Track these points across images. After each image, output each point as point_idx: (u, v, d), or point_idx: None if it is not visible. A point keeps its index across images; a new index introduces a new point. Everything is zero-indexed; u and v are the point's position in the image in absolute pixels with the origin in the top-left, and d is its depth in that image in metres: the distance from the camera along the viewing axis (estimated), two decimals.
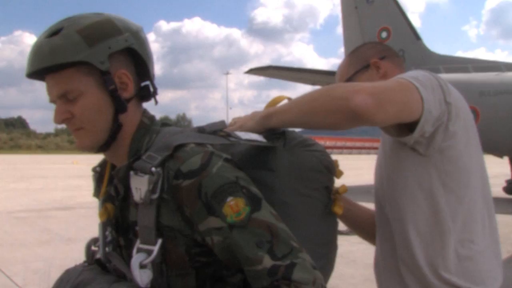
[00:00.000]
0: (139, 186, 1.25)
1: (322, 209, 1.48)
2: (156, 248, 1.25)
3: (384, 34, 20.76)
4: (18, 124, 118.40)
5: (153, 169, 1.25)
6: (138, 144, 1.38)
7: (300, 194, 1.42)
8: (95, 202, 1.52)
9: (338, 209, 1.53)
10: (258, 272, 1.20)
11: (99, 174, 1.53)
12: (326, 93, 1.40)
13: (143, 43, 1.39)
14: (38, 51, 1.28)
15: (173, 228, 1.27)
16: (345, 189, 1.58)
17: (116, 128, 1.36)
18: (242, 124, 1.53)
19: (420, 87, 1.44)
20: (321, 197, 1.48)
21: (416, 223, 1.60)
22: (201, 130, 1.42)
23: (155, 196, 1.25)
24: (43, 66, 1.27)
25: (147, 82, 1.45)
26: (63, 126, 1.37)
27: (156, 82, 1.47)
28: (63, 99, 1.32)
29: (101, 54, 1.28)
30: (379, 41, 20.77)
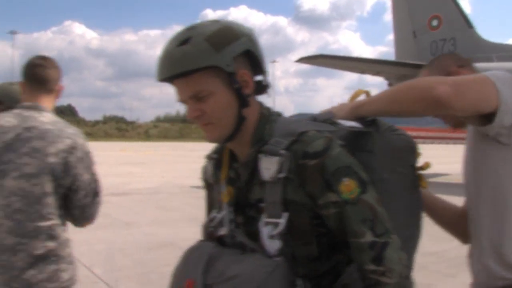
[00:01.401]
0: (269, 166, 1.49)
1: (411, 184, 1.71)
2: (282, 221, 1.47)
3: (434, 22, 20.46)
4: (67, 111, 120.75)
5: (282, 151, 1.49)
6: (261, 132, 1.58)
7: (394, 172, 1.64)
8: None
9: (424, 184, 1.77)
10: (361, 244, 1.44)
11: (217, 160, 1.74)
12: (411, 84, 1.65)
13: (256, 43, 1.60)
14: (171, 59, 1.49)
15: (298, 202, 1.49)
16: (428, 165, 1.80)
17: (240, 121, 1.56)
18: (335, 114, 1.75)
19: (496, 80, 1.66)
20: (410, 174, 1.70)
21: (505, 215, 1.78)
22: (313, 119, 1.68)
23: (282, 175, 1.48)
24: (178, 72, 1.48)
25: (261, 78, 1.64)
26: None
27: None
28: (194, 99, 1.53)
29: (227, 58, 1.49)
30: (430, 29, 20.53)
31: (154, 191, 14.99)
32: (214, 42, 1.48)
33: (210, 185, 1.81)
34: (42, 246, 2.41)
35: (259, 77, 1.63)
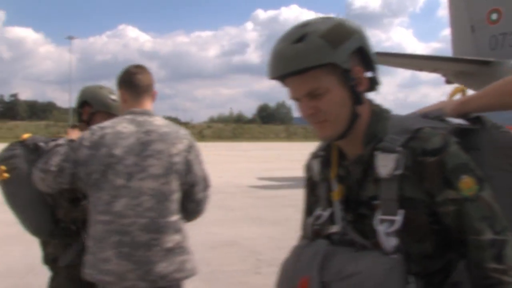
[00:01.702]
0: (386, 163, 1.50)
1: None
2: (399, 218, 1.48)
3: (494, 16, 19.77)
4: None
5: (398, 148, 1.51)
6: (374, 130, 1.59)
7: (500, 169, 1.63)
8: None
9: None
10: (481, 241, 1.44)
11: (324, 157, 1.75)
12: None
13: (367, 40, 1.60)
14: (286, 56, 1.51)
15: (415, 200, 1.50)
16: None
17: (354, 118, 1.57)
18: (444, 111, 1.75)
19: None
20: None
21: None
22: (425, 116, 1.68)
23: (398, 172, 1.50)
24: (295, 69, 1.50)
25: (371, 74, 1.63)
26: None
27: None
28: (309, 96, 1.55)
29: (343, 55, 1.50)
30: (489, 23, 19.95)
31: (213, 191, 14.66)
32: (330, 39, 1.49)
33: (314, 183, 1.80)
34: (171, 240, 2.67)
35: (369, 74, 1.62)
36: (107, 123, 2.75)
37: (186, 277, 2.78)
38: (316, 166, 1.77)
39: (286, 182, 18.01)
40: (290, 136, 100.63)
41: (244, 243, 7.88)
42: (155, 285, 2.63)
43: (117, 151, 2.64)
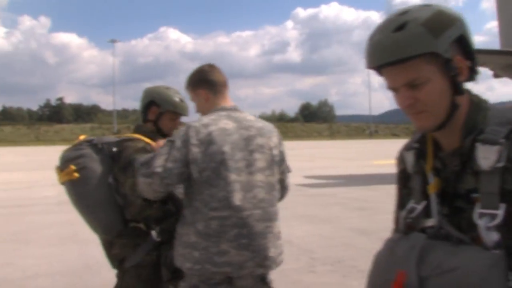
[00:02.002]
0: (488, 155, 1.45)
1: None
2: (500, 212, 1.41)
3: None
4: None
5: (501, 140, 1.44)
6: (473, 121, 1.54)
7: None
8: None
9: None
10: None
11: (419, 149, 1.69)
12: None
13: (468, 28, 1.53)
14: (386, 45, 1.46)
15: None
16: None
17: (453, 109, 1.52)
18: None
19: None
20: None
21: None
22: None
23: (501, 164, 1.43)
24: (395, 59, 1.45)
25: (471, 63, 1.56)
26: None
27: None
28: (407, 86, 1.50)
29: (445, 44, 1.44)
30: None
31: None
32: (431, 27, 1.44)
33: (407, 175, 1.74)
34: (277, 226, 2.87)
35: (469, 63, 1.55)
36: (206, 120, 2.76)
37: (282, 259, 2.93)
38: (410, 158, 1.72)
39: (333, 180, 17.90)
40: (333, 134, 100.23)
41: (296, 241, 7.82)
42: (269, 270, 2.82)
43: (226, 148, 2.69)
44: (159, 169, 2.58)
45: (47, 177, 19.54)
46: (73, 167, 2.99)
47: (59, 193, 13.62)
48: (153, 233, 3.02)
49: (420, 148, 1.69)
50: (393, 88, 1.55)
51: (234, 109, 2.91)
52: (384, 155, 33.68)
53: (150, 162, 2.63)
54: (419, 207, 1.61)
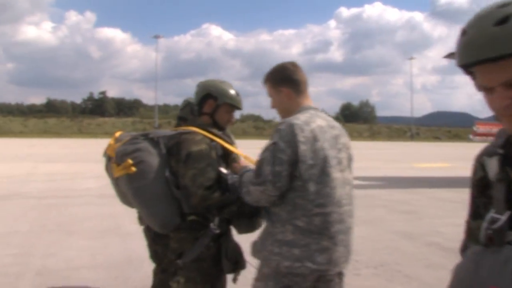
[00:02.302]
0: None
1: None
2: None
3: None
4: None
5: None
6: None
7: None
8: None
9: None
10: None
11: (504, 156, 1.55)
12: None
13: None
14: (485, 40, 1.31)
15: None
16: None
17: None
18: None
19: None
20: None
21: None
22: None
23: None
24: (497, 55, 1.30)
25: None
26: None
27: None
28: (505, 85, 1.35)
29: None
30: None
31: None
32: None
33: (486, 183, 1.60)
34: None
35: None
36: (303, 118, 2.75)
37: None
38: (494, 165, 1.57)
39: (375, 182, 17.64)
40: (374, 136, 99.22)
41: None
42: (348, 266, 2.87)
43: (326, 145, 2.71)
44: (269, 176, 2.60)
45: (89, 169, 19.94)
46: (130, 161, 2.98)
47: (100, 185, 13.93)
48: (212, 225, 3.03)
49: (506, 154, 1.55)
50: (487, 87, 1.40)
51: (316, 109, 2.92)
52: (425, 158, 33.19)
53: (259, 170, 2.65)
54: (503, 218, 1.47)
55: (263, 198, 2.68)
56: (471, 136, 49.48)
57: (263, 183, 2.61)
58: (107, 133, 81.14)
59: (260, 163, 2.67)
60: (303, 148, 2.62)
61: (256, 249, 2.81)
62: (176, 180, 3.02)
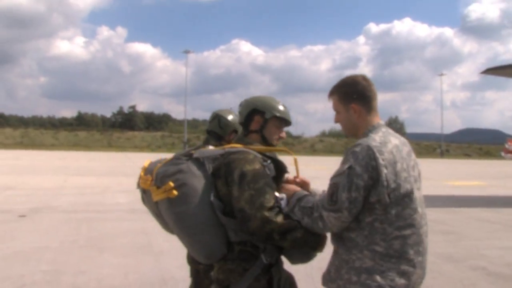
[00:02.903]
0: None
1: None
2: None
3: None
4: None
5: None
6: None
7: None
8: None
9: None
10: None
11: None
12: None
13: None
14: None
15: None
16: None
17: None
18: None
19: None
20: None
21: None
22: None
23: None
24: None
25: None
26: None
27: None
28: None
29: None
30: None
31: None
32: None
33: None
34: None
35: None
36: (378, 139, 2.56)
37: None
38: None
39: None
40: None
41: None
42: None
43: (404, 165, 2.54)
44: (346, 203, 2.43)
45: (119, 183, 19.97)
46: (171, 183, 2.67)
47: (130, 200, 13.88)
48: (263, 256, 2.69)
49: None
50: None
51: (384, 125, 2.73)
52: (458, 175, 32.56)
53: (333, 196, 2.48)
54: None
55: (336, 224, 2.50)
56: (502, 154, 48.50)
57: (339, 210, 2.44)
58: (136, 147, 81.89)
59: (334, 188, 2.49)
60: (384, 171, 2.44)
61: (330, 278, 2.59)
62: (222, 205, 2.71)
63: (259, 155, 2.83)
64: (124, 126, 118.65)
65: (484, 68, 21.77)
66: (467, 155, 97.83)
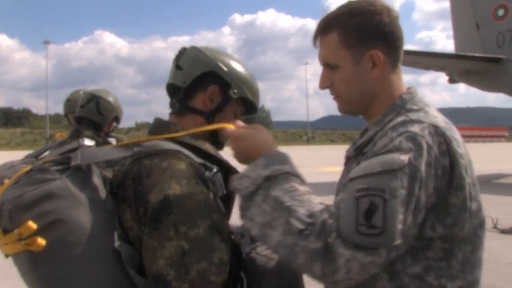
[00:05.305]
0: None
1: None
2: None
3: (500, 12, 19.04)
4: None
5: None
6: None
7: None
8: None
9: None
10: None
11: None
12: None
13: None
14: None
15: None
16: None
17: None
18: None
19: None
20: None
21: None
22: None
23: None
24: None
25: None
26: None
27: None
28: None
29: None
30: (495, 20, 19.22)
31: None
32: None
33: None
34: None
35: None
36: (437, 115, 1.50)
37: None
38: None
39: None
40: None
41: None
42: None
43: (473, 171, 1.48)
44: (398, 241, 1.26)
45: None
46: (32, 223, 1.37)
47: None
48: None
49: None
50: None
51: None
52: (327, 161, 33.41)
53: (377, 218, 1.23)
54: None
55: (361, 274, 1.28)
56: None
57: (383, 244, 1.25)
58: None
59: (373, 202, 1.25)
60: (466, 178, 1.38)
61: None
62: (136, 255, 1.48)
63: (196, 159, 1.60)
64: None
65: None
66: (332, 141, 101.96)
